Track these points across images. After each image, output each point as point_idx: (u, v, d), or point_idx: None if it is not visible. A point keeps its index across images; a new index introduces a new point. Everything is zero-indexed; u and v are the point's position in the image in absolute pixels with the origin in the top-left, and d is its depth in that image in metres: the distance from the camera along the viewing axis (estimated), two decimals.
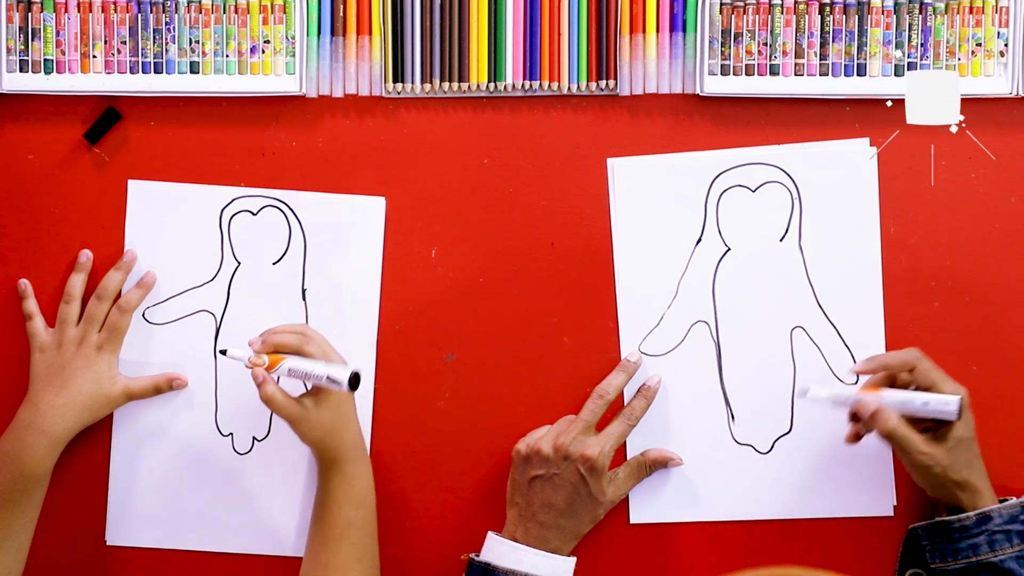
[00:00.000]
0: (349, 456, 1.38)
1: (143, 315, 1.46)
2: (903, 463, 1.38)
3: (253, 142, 1.46)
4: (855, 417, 1.38)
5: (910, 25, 1.44)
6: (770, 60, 1.44)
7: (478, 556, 1.40)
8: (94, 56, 1.44)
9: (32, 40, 1.44)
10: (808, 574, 0.83)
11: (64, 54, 1.44)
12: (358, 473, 1.39)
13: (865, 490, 1.44)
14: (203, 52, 1.44)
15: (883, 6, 1.44)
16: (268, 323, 1.44)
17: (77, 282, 1.44)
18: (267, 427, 1.46)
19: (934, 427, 1.36)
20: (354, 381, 1.33)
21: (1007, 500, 1.37)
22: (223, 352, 1.38)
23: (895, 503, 1.44)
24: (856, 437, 1.39)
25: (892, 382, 1.38)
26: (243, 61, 1.44)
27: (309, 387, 1.37)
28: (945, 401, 1.34)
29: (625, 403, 1.44)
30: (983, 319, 1.45)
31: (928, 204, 1.45)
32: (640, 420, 1.43)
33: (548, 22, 1.45)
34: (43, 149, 1.46)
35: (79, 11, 1.44)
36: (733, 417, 1.45)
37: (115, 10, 1.44)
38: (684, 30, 1.45)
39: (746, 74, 1.44)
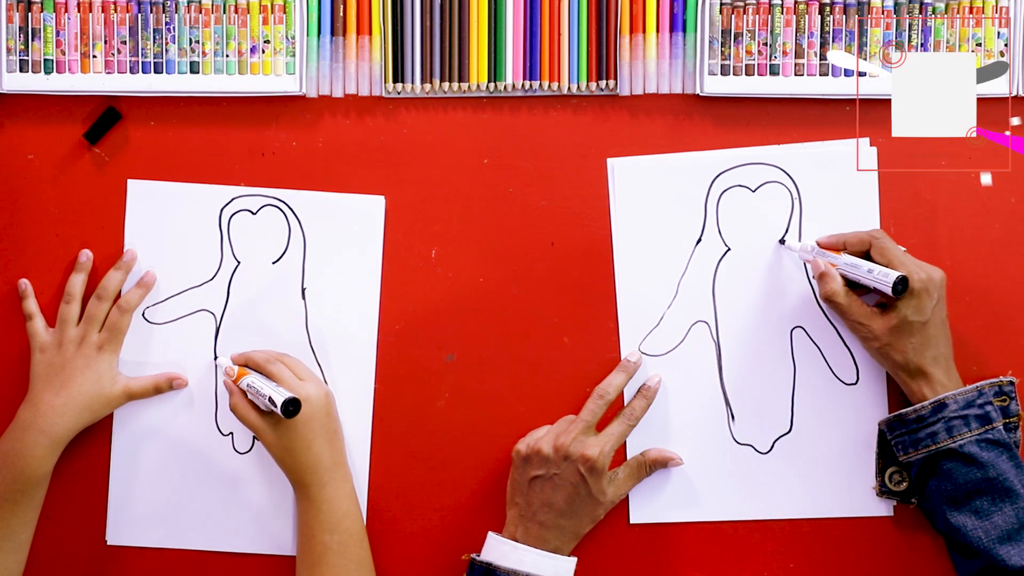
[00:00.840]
0: (313, 480, 1.39)
1: (143, 315, 1.46)
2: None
3: (253, 142, 1.46)
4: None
5: (910, 25, 1.44)
6: (770, 60, 1.44)
7: (479, 556, 1.40)
8: (94, 56, 1.44)
9: (32, 40, 1.44)
10: None
11: (64, 54, 1.44)
12: (326, 498, 1.39)
13: (865, 490, 1.44)
14: (203, 52, 1.44)
15: (883, 6, 1.44)
16: (268, 323, 1.45)
17: (77, 282, 1.44)
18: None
19: (887, 303, 1.37)
20: (288, 407, 1.34)
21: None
22: (216, 358, 1.43)
23: (895, 503, 1.44)
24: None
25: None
26: (243, 61, 1.44)
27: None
28: (886, 274, 1.35)
29: (625, 403, 1.44)
30: (983, 319, 1.45)
31: (928, 204, 1.45)
32: (640, 420, 1.43)
33: (548, 22, 1.45)
34: (43, 149, 1.46)
35: (79, 11, 1.44)
36: (733, 417, 1.45)
37: (115, 10, 1.44)
38: (684, 30, 1.45)
39: (746, 74, 1.44)
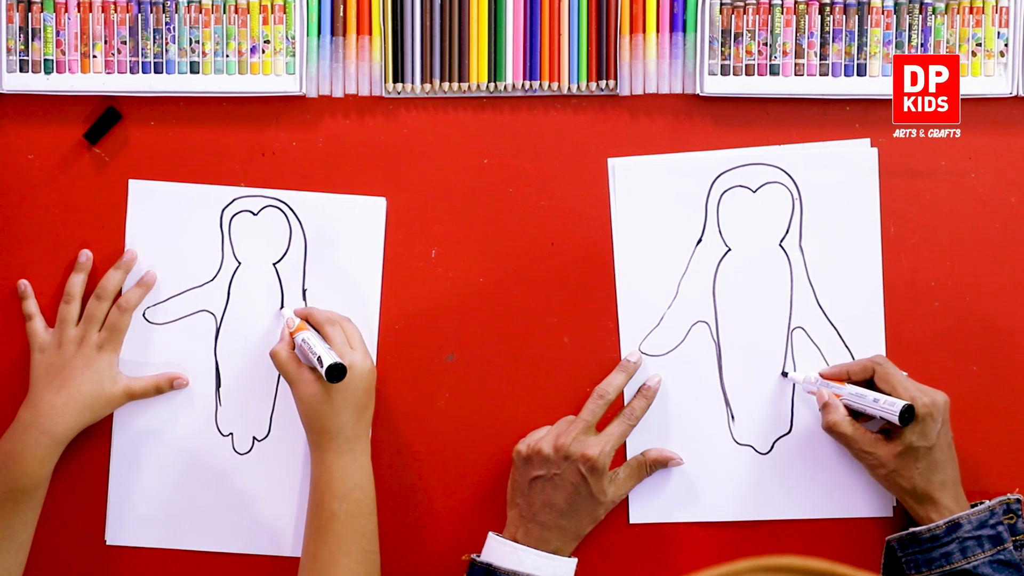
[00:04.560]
0: (331, 447, 1.37)
1: (143, 315, 1.46)
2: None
3: (253, 142, 1.46)
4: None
5: (910, 25, 1.44)
6: (770, 60, 1.44)
7: (479, 557, 1.40)
8: (94, 56, 1.44)
9: (32, 40, 1.44)
10: (801, 562, 0.84)
11: (64, 54, 1.44)
12: (340, 466, 1.37)
13: (865, 490, 1.45)
14: (203, 52, 1.44)
15: (883, 6, 1.44)
16: (269, 324, 1.45)
17: (77, 282, 1.44)
18: (267, 427, 1.46)
19: (892, 430, 1.37)
20: (332, 371, 1.33)
21: (978, 504, 1.38)
22: (281, 308, 1.46)
23: (895, 503, 1.45)
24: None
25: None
26: (243, 61, 1.44)
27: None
28: (892, 403, 1.35)
29: (625, 403, 1.45)
30: (983, 319, 1.45)
31: (928, 204, 1.45)
32: (640, 420, 1.43)
33: (548, 22, 1.45)
34: (43, 149, 1.46)
35: (79, 11, 1.44)
36: (733, 417, 1.46)
37: (115, 10, 1.44)
38: (684, 30, 1.45)
39: (746, 74, 1.44)
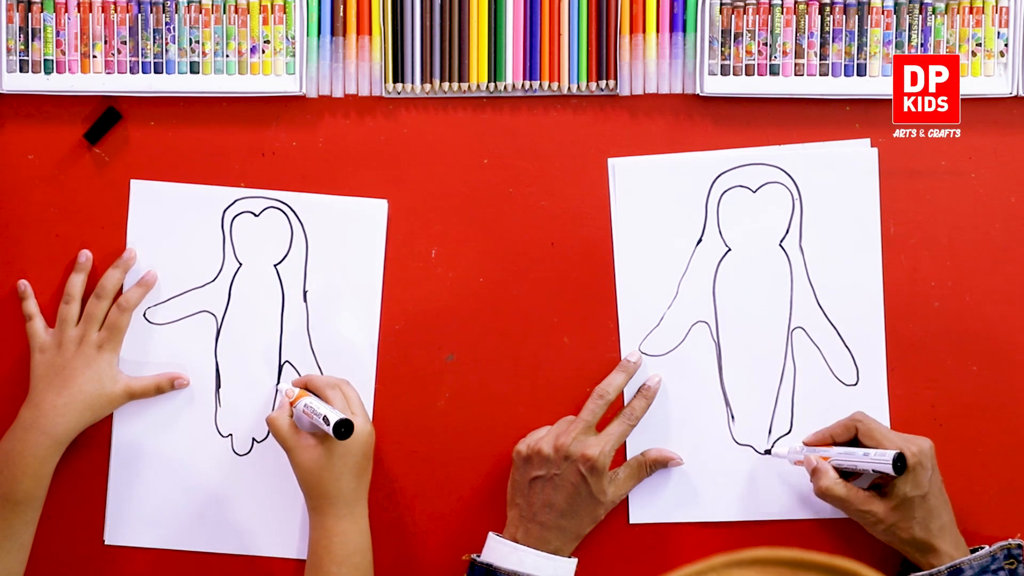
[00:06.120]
0: (333, 511, 1.37)
1: (144, 315, 1.46)
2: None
3: (253, 142, 1.45)
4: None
5: (910, 25, 1.44)
6: (770, 60, 1.44)
7: (479, 557, 1.40)
8: (94, 56, 1.44)
9: (32, 40, 1.44)
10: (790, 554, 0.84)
11: (64, 54, 1.44)
12: (340, 531, 1.37)
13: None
14: (203, 52, 1.44)
15: (883, 6, 1.44)
16: (269, 325, 1.45)
17: (77, 282, 1.44)
18: (267, 428, 1.46)
19: (884, 485, 1.37)
20: (340, 427, 1.33)
21: (979, 549, 1.38)
22: (277, 383, 1.46)
23: None
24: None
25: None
26: (243, 61, 1.44)
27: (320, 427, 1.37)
28: (882, 454, 1.34)
29: (625, 403, 1.45)
30: (983, 319, 1.45)
31: (928, 204, 1.45)
32: (640, 420, 1.43)
33: (548, 22, 1.45)
34: (43, 149, 1.46)
35: (79, 11, 1.44)
36: (733, 417, 1.46)
37: (115, 10, 1.44)
38: (684, 30, 1.45)
39: (746, 74, 1.44)
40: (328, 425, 1.33)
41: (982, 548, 1.38)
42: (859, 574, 0.80)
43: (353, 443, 1.36)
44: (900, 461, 1.33)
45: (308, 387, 1.42)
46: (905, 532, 1.36)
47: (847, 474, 1.39)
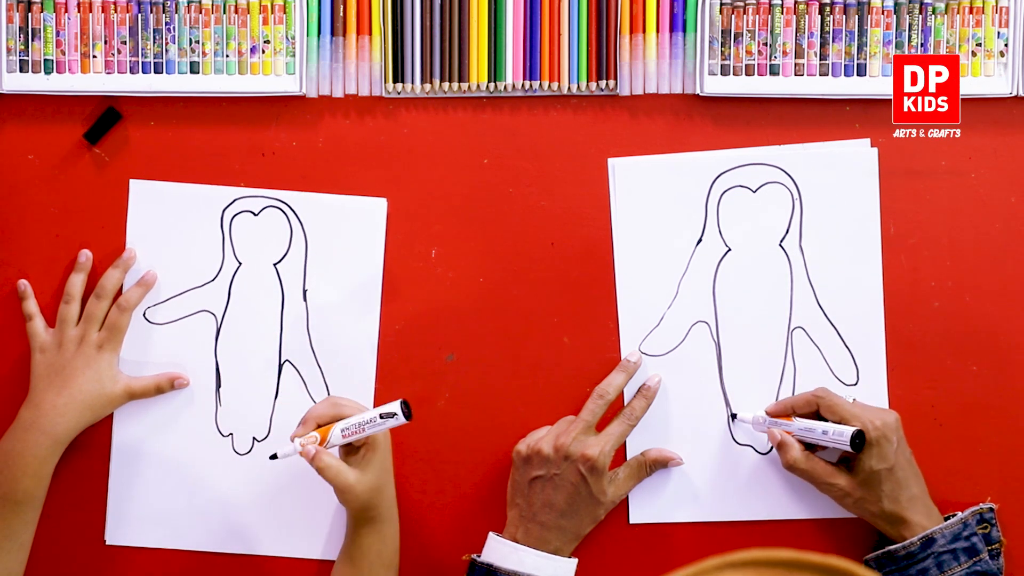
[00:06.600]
0: (386, 516, 1.37)
1: (144, 315, 1.46)
2: None
3: (253, 142, 1.46)
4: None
5: (910, 25, 1.44)
6: (770, 60, 1.44)
7: (480, 557, 1.40)
8: (94, 56, 1.44)
9: (32, 40, 1.44)
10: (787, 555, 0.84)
11: (64, 54, 1.44)
12: (390, 533, 1.38)
13: None
14: (203, 52, 1.44)
15: (883, 6, 1.44)
16: (269, 324, 1.45)
17: (77, 282, 1.44)
18: (267, 428, 1.46)
19: (850, 458, 1.37)
20: (405, 408, 1.32)
21: (952, 517, 1.38)
22: (273, 457, 1.36)
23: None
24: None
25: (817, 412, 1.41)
26: (243, 61, 1.44)
27: (362, 442, 1.35)
28: (841, 432, 1.34)
29: (625, 403, 1.45)
30: (983, 319, 1.45)
31: (928, 204, 1.45)
32: (640, 420, 1.43)
33: (548, 22, 1.45)
34: (43, 149, 1.46)
35: (79, 11, 1.44)
36: (733, 417, 1.46)
37: (115, 10, 1.44)
38: (684, 30, 1.45)
39: (746, 74, 1.44)
40: (395, 416, 1.31)
41: (954, 515, 1.38)
42: (855, 574, 0.80)
43: (385, 448, 1.35)
44: (859, 438, 1.33)
45: (318, 423, 1.35)
46: (874, 505, 1.37)
47: (814, 447, 1.39)
